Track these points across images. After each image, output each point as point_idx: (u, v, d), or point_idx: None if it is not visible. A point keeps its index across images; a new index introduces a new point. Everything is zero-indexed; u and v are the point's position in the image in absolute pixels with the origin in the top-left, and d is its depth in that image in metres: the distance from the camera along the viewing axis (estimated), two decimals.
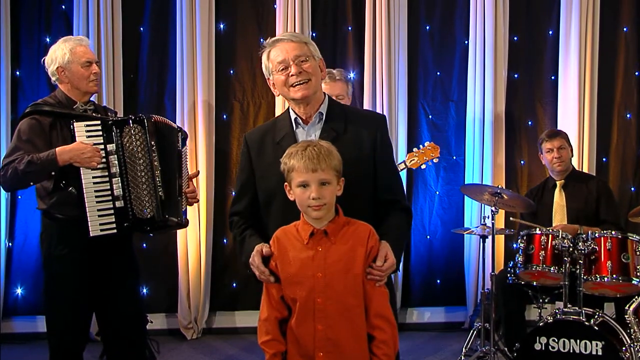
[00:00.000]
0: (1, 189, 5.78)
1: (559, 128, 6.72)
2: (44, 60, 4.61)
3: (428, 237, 7.11)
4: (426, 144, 5.98)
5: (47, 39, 6.72)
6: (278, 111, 6.79)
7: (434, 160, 5.94)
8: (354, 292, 3.12)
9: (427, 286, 7.13)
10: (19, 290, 6.71)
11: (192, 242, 6.78)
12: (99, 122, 4.28)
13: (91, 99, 4.64)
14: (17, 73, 6.75)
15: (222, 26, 6.97)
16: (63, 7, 6.78)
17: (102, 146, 4.22)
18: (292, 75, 3.39)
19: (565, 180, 5.97)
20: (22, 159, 4.17)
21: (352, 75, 6.93)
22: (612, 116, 7.14)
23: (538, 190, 6.13)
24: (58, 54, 4.50)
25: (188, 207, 4.65)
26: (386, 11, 6.83)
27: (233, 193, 4.65)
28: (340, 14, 7.05)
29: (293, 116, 3.50)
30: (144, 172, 4.23)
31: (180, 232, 6.61)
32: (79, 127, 4.22)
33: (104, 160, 4.20)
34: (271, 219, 3.44)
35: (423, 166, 5.91)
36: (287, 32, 3.49)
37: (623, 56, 7.12)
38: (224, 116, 6.98)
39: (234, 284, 7.04)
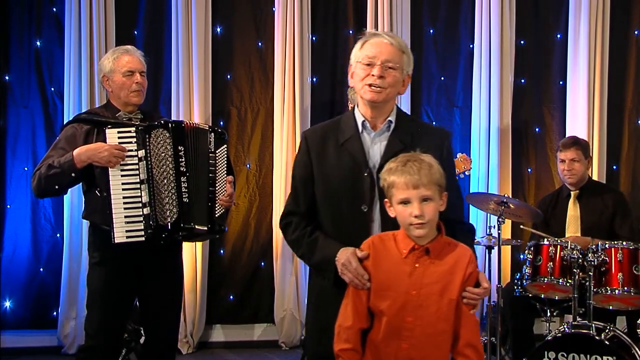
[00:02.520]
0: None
1: (573, 135, 6.57)
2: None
3: None
4: (458, 155, 5.96)
5: (38, 43, 6.59)
6: (277, 118, 6.71)
7: (466, 173, 5.87)
8: (446, 317, 3.06)
9: None
10: (7, 304, 6.54)
11: (188, 253, 6.57)
12: (132, 128, 4.30)
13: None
14: (7, 78, 6.58)
15: (219, 29, 6.84)
16: (54, 9, 6.62)
17: (134, 153, 4.25)
18: (372, 74, 3.29)
19: (580, 190, 5.78)
20: (46, 164, 4.26)
21: None
22: (622, 122, 7.01)
23: (552, 199, 5.96)
24: (104, 64, 4.56)
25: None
26: (388, 14, 6.70)
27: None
28: (341, 17, 6.93)
29: (360, 119, 3.40)
30: (168, 177, 4.27)
31: None
32: (111, 134, 4.26)
33: (135, 166, 4.23)
34: (327, 221, 3.38)
35: None
36: (390, 33, 3.42)
37: (634, 60, 6.99)
38: (221, 122, 6.84)
39: (231, 297, 6.87)
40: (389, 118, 3.39)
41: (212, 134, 4.49)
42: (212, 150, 4.47)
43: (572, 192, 5.79)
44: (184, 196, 4.26)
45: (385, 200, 3.14)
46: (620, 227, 5.65)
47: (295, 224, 3.45)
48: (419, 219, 3.00)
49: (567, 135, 6.62)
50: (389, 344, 3.06)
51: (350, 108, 5.23)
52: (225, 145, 4.59)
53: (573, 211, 5.76)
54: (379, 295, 3.08)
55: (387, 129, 3.39)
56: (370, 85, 3.30)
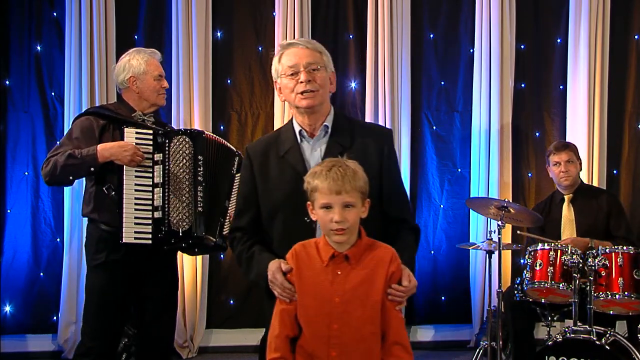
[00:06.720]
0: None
1: (567, 140, 6.55)
2: (113, 67, 4.72)
3: (432, 252, 6.92)
4: None
5: (38, 47, 6.58)
6: (277, 122, 6.67)
7: None
8: (372, 320, 3.07)
9: (432, 303, 6.95)
10: (7, 308, 6.52)
11: (188, 258, 6.53)
12: (150, 130, 4.34)
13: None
14: (7, 82, 6.58)
15: (219, 34, 6.82)
16: (55, 13, 6.61)
17: (150, 155, 4.30)
18: (300, 82, 3.33)
19: (574, 194, 5.80)
20: (64, 152, 4.28)
21: (353, 85, 6.77)
22: (622, 127, 6.97)
23: (545, 205, 5.96)
24: (133, 64, 4.57)
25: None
26: (388, 18, 6.67)
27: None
28: (341, 22, 6.90)
29: (297, 128, 3.43)
30: (185, 184, 4.30)
31: None
32: (129, 133, 4.31)
33: (149, 169, 4.27)
34: (275, 235, 3.41)
35: None
36: (303, 38, 3.44)
37: (634, 65, 6.95)
38: (221, 127, 6.82)
39: (231, 301, 6.84)
40: (325, 123, 3.43)
41: (237, 157, 4.58)
42: (234, 172, 4.55)
43: (565, 197, 5.80)
44: (199, 205, 4.30)
45: (308, 203, 3.14)
46: (615, 228, 5.67)
47: (237, 239, 3.49)
48: (339, 224, 3.02)
49: (567, 140, 6.63)
50: (318, 352, 3.07)
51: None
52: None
53: (568, 215, 5.76)
54: (304, 304, 3.10)
55: (325, 134, 3.42)
56: (302, 92, 3.33)
